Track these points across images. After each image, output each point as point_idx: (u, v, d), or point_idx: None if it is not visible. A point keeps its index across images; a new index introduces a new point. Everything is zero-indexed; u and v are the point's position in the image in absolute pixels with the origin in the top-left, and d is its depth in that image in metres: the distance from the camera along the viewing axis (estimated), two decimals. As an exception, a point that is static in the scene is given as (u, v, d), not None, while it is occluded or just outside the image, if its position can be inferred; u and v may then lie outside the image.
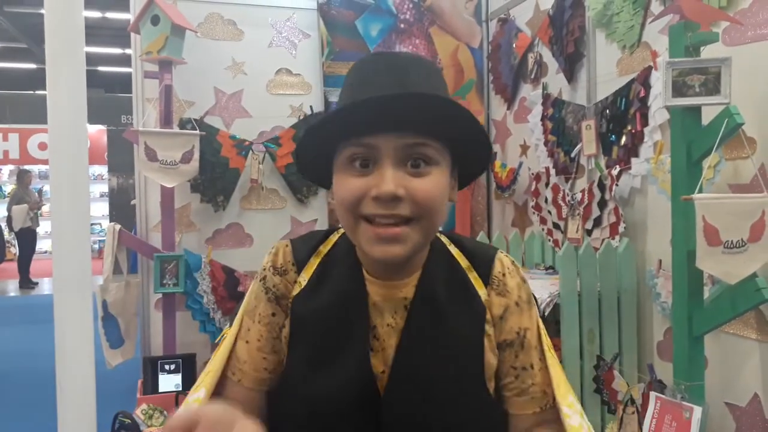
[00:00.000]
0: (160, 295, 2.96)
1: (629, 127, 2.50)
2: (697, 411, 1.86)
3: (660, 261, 2.36)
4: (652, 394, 2.00)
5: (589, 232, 2.64)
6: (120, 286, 2.85)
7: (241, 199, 3.21)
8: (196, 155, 2.85)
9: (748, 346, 2.05)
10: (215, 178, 3.09)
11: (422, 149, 0.79)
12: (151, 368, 2.85)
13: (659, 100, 2.34)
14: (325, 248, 0.94)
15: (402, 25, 3.37)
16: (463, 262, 0.92)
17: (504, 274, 0.92)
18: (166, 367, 2.86)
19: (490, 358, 0.88)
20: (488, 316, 0.89)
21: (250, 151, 3.14)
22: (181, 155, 2.81)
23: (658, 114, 2.35)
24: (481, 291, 0.90)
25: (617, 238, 2.50)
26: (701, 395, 1.92)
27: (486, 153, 0.88)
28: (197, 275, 3.02)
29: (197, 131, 2.91)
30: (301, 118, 3.23)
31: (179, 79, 2.98)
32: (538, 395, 0.90)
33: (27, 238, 8.83)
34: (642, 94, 2.42)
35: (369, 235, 0.80)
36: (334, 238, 0.95)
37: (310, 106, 3.23)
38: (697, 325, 1.91)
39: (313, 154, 0.87)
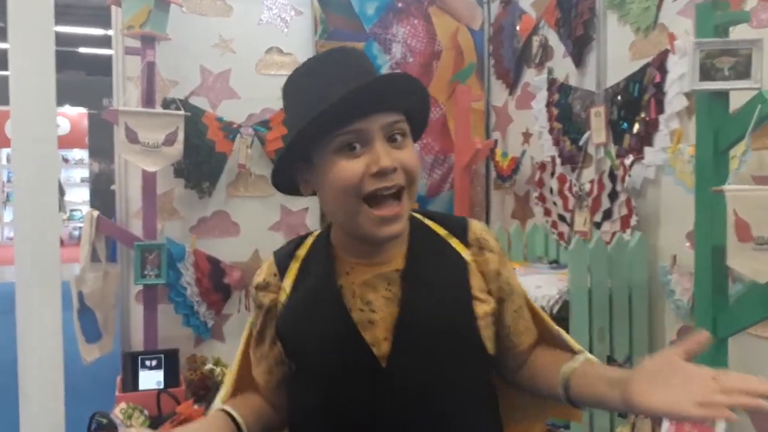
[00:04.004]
0: (141, 287, 2.79)
1: (643, 115, 2.36)
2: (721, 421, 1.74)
3: (675, 257, 2.23)
4: (669, 399, 1.87)
5: (598, 225, 2.51)
6: (97, 276, 2.67)
7: (228, 185, 3.04)
8: (181, 137, 2.67)
9: (770, 347, 1.94)
10: (200, 163, 2.91)
11: (400, 125, 0.91)
12: (131, 364, 2.68)
13: (677, 85, 2.21)
14: (302, 251, 1.03)
15: (400, 4, 3.20)
16: (441, 231, 1.02)
17: (482, 236, 1.02)
18: (147, 363, 2.70)
19: (483, 308, 0.97)
20: (475, 272, 0.99)
21: (238, 135, 2.97)
22: (164, 137, 2.63)
23: (675, 100, 2.22)
24: (465, 254, 1.00)
25: (628, 231, 2.37)
26: (724, 401, 1.80)
27: (425, 125, 1.03)
28: (180, 266, 2.85)
29: (182, 112, 2.72)
30: (292, 100, 3.05)
31: (163, 57, 2.79)
32: (531, 327, 1.06)
33: None
34: (657, 79, 2.28)
35: (372, 218, 0.89)
36: (310, 240, 1.05)
37: (303, 88, 3.06)
38: (722, 327, 1.78)
39: (294, 160, 0.95)
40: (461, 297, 0.96)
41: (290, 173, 0.98)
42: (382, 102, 0.89)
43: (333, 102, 0.86)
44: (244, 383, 1.09)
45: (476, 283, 0.98)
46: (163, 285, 2.80)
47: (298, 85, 0.96)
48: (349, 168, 0.88)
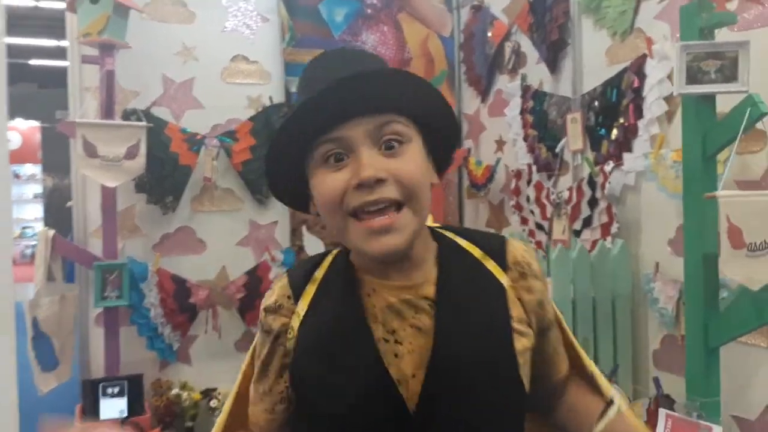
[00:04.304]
0: (101, 310, 2.63)
1: (621, 120, 2.32)
2: (717, 430, 1.68)
3: (657, 264, 2.19)
4: (662, 412, 1.81)
5: (577, 233, 2.46)
6: (53, 300, 2.50)
7: (193, 199, 2.89)
8: (143, 150, 2.53)
9: (759, 355, 1.90)
10: (163, 177, 2.77)
11: (392, 127, 0.79)
12: (91, 392, 2.51)
13: (656, 90, 2.18)
14: (320, 273, 0.90)
15: (369, 11, 3.12)
16: (476, 252, 0.89)
17: (525, 259, 0.89)
18: (109, 390, 2.53)
19: (522, 343, 0.85)
20: (514, 301, 0.86)
21: (203, 146, 2.83)
22: (125, 150, 2.48)
23: (655, 105, 2.18)
24: (503, 278, 0.87)
25: (609, 239, 2.32)
26: (718, 412, 1.75)
27: (452, 127, 0.88)
28: (143, 286, 2.69)
29: (143, 123, 2.58)
30: (260, 110, 2.94)
31: (122, 66, 2.64)
32: (564, 355, 0.97)
33: None
34: (636, 84, 2.25)
35: (360, 232, 0.78)
36: (329, 259, 0.92)
37: (270, 97, 2.94)
38: (714, 336, 1.74)
39: (284, 169, 0.84)
40: (501, 330, 0.83)
41: (297, 189, 0.87)
42: (362, 103, 0.77)
43: (295, 109, 0.77)
44: (237, 423, 0.95)
45: (515, 312, 0.85)
46: (125, 307, 2.64)
47: (298, 86, 0.88)
48: (332, 181, 0.78)
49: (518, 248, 0.91)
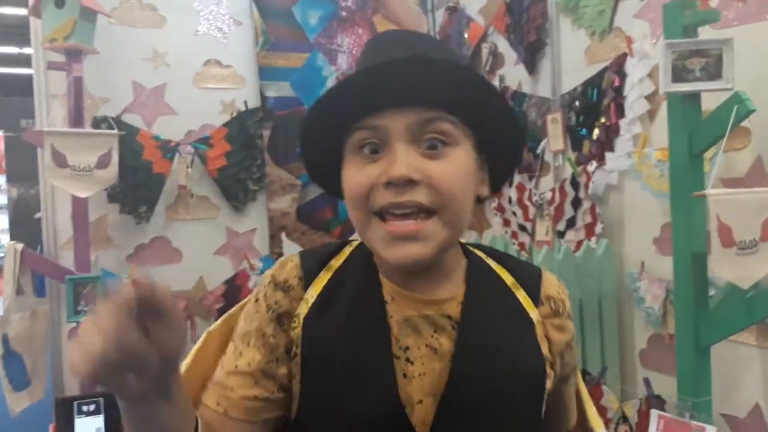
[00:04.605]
0: (75, 324, 2.53)
1: (603, 120, 2.31)
2: (710, 430, 1.67)
3: (643, 263, 2.18)
4: (653, 412, 1.80)
5: (561, 234, 2.44)
6: (24, 316, 2.39)
7: (167, 208, 2.81)
8: (115, 159, 2.44)
9: (747, 352, 1.90)
10: (137, 185, 2.69)
11: (438, 125, 0.71)
12: (65, 411, 2.41)
13: (637, 89, 2.18)
14: (337, 262, 0.82)
15: (343, 13, 3.07)
16: (508, 278, 0.83)
17: (560, 296, 0.84)
18: (84, 408, 2.43)
19: (547, 383, 0.80)
20: (542, 338, 0.80)
21: (177, 154, 2.75)
22: (96, 159, 2.39)
23: (636, 104, 2.17)
24: (532, 312, 0.80)
25: (594, 239, 2.31)
26: (709, 412, 1.74)
27: (514, 137, 0.79)
28: (118, 298, 2.60)
29: (115, 131, 2.50)
30: (234, 115, 2.87)
31: (91, 72, 2.55)
32: (575, 405, 0.91)
33: None
34: (616, 83, 2.24)
35: (381, 235, 0.71)
36: (348, 250, 0.84)
37: (245, 102, 2.88)
38: (705, 335, 1.73)
39: (319, 149, 0.77)
40: (532, 364, 0.77)
41: (333, 173, 0.79)
42: (408, 92, 0.68)
43: (331, 88, 0.69)
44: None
45: (543, 350, 0.80)
46: (99, 321, 2.55)
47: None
48: (361, 174, 0.71)
49: (553, 283, 0.85)
